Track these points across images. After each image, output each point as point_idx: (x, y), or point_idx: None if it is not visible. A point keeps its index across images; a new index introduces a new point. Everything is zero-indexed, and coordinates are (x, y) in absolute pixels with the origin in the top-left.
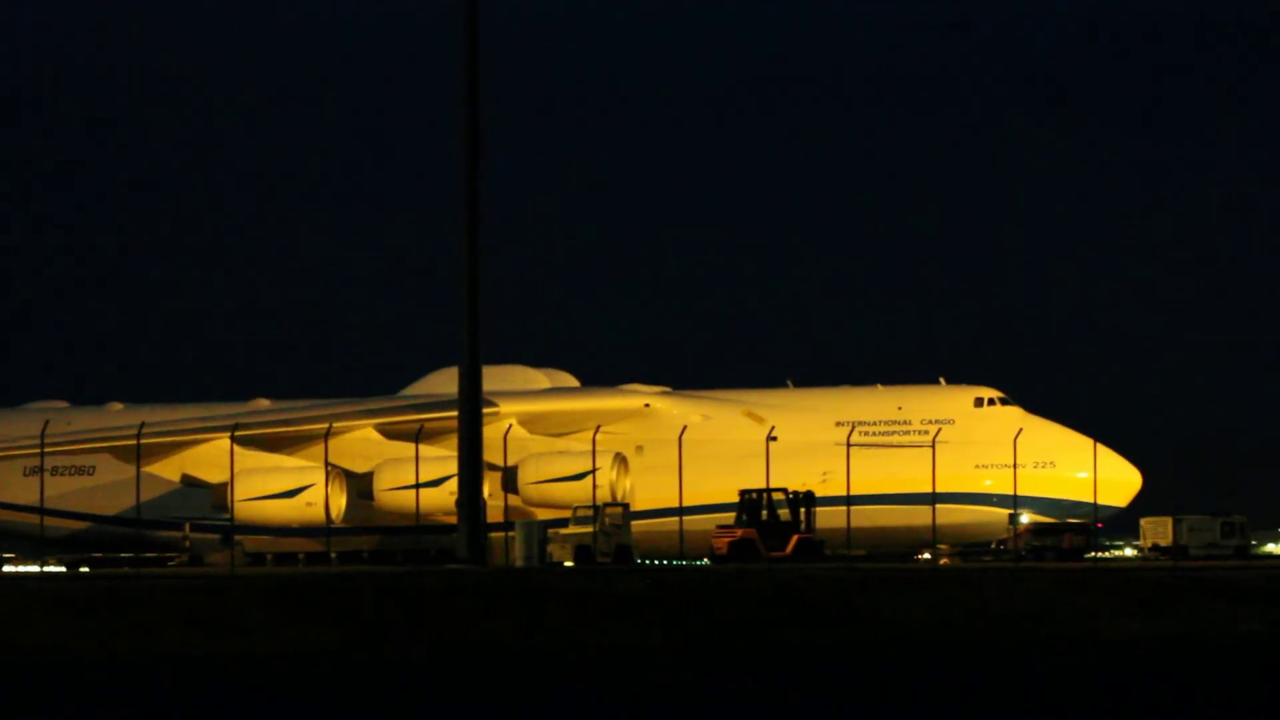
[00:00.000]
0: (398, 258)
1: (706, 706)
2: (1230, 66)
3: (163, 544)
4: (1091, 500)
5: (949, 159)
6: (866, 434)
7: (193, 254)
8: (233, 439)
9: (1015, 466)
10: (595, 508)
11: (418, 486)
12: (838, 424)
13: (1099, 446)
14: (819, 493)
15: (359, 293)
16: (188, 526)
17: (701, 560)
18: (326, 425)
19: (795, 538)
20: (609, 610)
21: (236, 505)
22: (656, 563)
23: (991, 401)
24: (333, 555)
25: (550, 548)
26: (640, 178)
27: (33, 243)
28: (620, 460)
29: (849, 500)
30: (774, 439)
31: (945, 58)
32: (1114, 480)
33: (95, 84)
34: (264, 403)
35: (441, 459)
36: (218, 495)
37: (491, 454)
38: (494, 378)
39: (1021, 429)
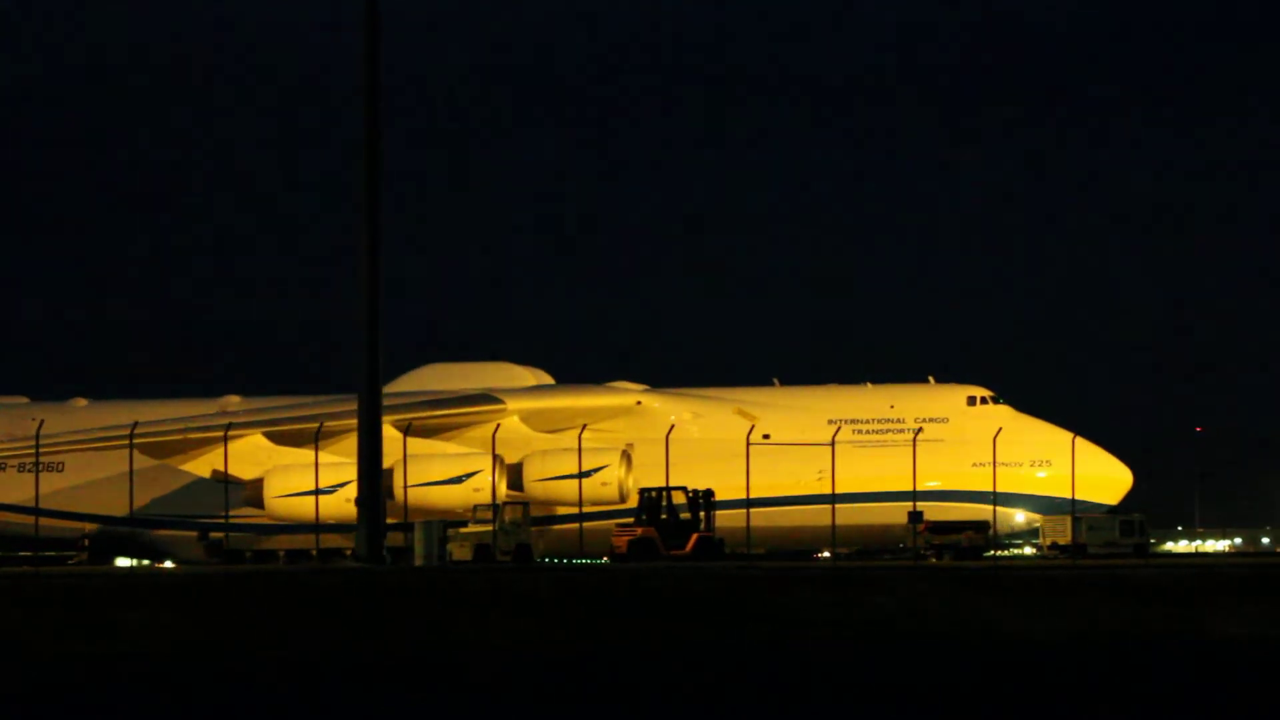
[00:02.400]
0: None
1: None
2: (1219, 66)
3: (167, 544)
4: (1086, 499)
5: (931, 157)
6: (860, 432)
7: (148, 249)
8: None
9: (915, 462)
10: (495, 506)
11: (448, 482)
12: (830, 422)
13: (1089, 445)
14: (813, 491)
15: (322, 289)
16: (87, 526)
17: (601, 559)
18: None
19: (695, 536)
20: (504, 608)
21: (272, 501)
22: (558, 562)
23: (984, 400)
24: (314, 552)
25: (450, 546)
26: (617, 175)
27: None
28: (626, 457)
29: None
30: (767, 438)
31: (930, 56)
32: (1105, 478)
33: (73, 81)
34: (235, 399)
35: (464, 455)
36: (251, 491)
37: (499, 450)
38: (481, 374)
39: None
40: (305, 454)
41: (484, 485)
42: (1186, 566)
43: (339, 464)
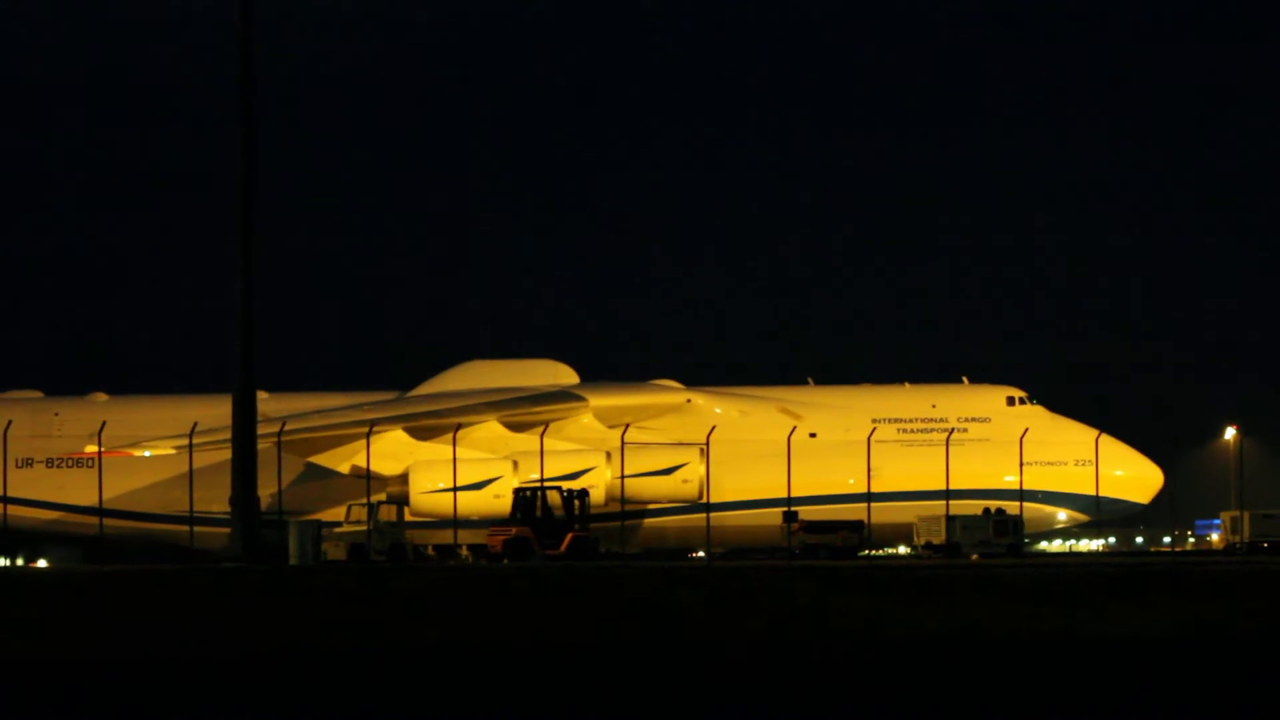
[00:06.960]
0: (390, 253)
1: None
2: (1232, 68)
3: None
4: (1122, 498)
5: (957, 158)
6: (904, 431)
7: (163, 246)
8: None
9: (790, 459)
10: (370, 505)
11: (565, 479)
12: (874, 421)
13: (1122, 445)
14: (862, 489)
15: (343, 287)
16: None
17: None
18: (488, 416)
19: (570, 535)
20: (365, 609)
21: (417, 497)
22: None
23: (1021, 400)
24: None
25: (325, 546)
26: (638, 170)
27: None
28: (703, 455)
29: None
30: (813, 436)
31: (961, 56)
32: (1137, 477)
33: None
34: (262, 395)
35: (577, 452)
36: (393, 487)
37: (575, 446)
38: (526, 372)
39: (795, 425)
40: (440, 449)
41: (598, 482)
42: (1057, 566)
43: (487, 460)
